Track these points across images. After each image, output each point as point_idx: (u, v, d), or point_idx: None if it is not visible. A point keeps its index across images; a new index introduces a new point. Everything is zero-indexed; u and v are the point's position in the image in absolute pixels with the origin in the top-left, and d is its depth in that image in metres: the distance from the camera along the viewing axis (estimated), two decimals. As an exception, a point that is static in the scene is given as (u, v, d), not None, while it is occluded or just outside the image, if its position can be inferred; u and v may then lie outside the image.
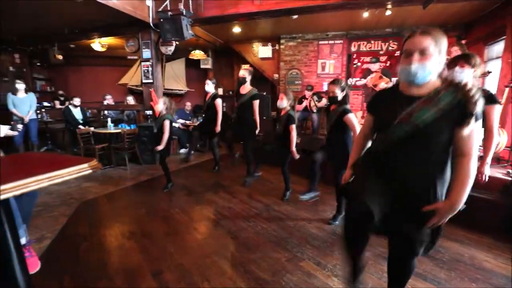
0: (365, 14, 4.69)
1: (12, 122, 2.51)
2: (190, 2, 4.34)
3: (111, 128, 4.87)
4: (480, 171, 1.90)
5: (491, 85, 4.10)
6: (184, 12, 4.19)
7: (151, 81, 5.22)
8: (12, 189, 0.61)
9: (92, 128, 5.05)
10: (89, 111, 6.65)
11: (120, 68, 8.11)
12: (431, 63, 1.06)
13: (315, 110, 5.72)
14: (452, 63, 1.92)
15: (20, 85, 5.06)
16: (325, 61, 6.52)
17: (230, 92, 8.25)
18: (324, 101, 5.49)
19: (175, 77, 8.25)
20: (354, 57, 6.28)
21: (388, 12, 4.42)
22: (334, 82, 2.48)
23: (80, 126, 5.54)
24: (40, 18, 4.71)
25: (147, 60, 5.16)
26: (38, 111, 5.87)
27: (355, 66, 6.23)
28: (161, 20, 4.30)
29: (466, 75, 1.84)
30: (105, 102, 6.38)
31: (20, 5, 4.05)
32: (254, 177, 3.82)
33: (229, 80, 8.29)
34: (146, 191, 3.67)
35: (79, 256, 2.14)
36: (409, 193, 1.15)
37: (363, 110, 5.72)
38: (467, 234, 2.49)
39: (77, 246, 2.29)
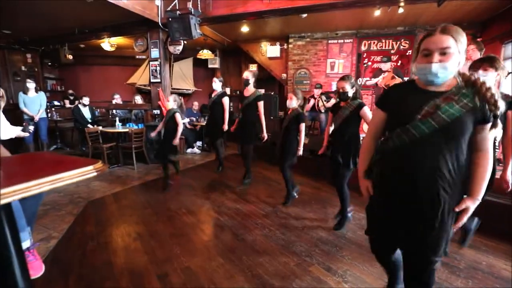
0: (377, 12, 4.58)
1: (24, 123, 2.53)
2: (199, 1, 4.32)
3: (119, 128, 4.89)
4: (504, 180, 1.81)
5: (507, 85, 3.94)
6: (192, 11, 4.17)
7: (159, 80, 5.22)
8: (12, 194, 0.58)
9: (100, 127, 5.09)
10: (98, 110, 6.72)
11: (129, 68, 8.18)
12: (452, 63, 1.01)
13: (323, 110, 5.63)
14: (475, 65, 1.84)
15: (31, 84, 5.14)
16: (334, 60, 6.41)
17: (238, 92, 8.21)
18: (333, 101, 5.40)
19: (182, 76, 8.27)
20: (364, 56, 6.15)
21: (401, 10, 4.30)
22: (344, 78, 2.43)
23: (89, 125, 5.59)
24: (52, 19, 4.77)
25: (155, 59, 5.17)
26: (48, 110, 5.96)
27: (365, 65, 6.10)
28: (170, 19, 4.29)
29: (490, 79, 1.77)
30: (114, 102, 6.43)
31: (32, 5, 4.11)
32: (246, 184, 3.81)
33: (237, 80, 8.26)
34: (153, 191, 3.66)
35: (85, 256, 2.13)
36: (432, 189, 1.08)
37: (373, 110, 5.60)
38: (483, 240, 2.39)
39: (84, 246, 2.28)
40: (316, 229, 2.59)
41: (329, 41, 6.38)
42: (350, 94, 2.42)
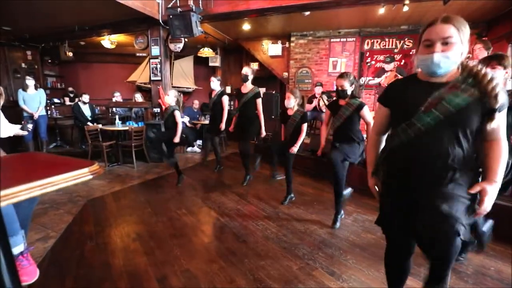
0: (381, 10, 4.51)
1: (22, 122, 2.48)
2: (200, -2, 4.26)
3: (119, 126, 4.84)
4: None
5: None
6: (193, 8, 4.12)
7: (159, 78, 5.17)
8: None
9: (100, 125, 5.04)
10: (98, 108, 6.67)
11: (129, 66, 8.11)
12: (454, 52, 0.98)
13: (324, 110, 5.57)
14: (483, 63, 1.78)
15: (30, 81, 5.09)
16: (336, 59, 6.35)
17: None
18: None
19: (183, 74, 8.21)
20: (367, 55, 6.08)
21: (406, 8, 4.24)
22: (343, 75, 2.40)
23: (89, 123, 5.54)
24: (52, 16, 4.72)
25: (155, 57, 5.11)
26: (48, 108, 5.90)
27: (368, 64, 6.04)
28: (171, 16, 4.23)
29: (498, 77, 1.72)
30: (114, 99, 6.38)
31: (32, 2, 4.05)
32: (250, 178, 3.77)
33: (238, 78, 8.15)
34: (152, 190, 3.62)
35: (83, 256, 2.08)
36: (442, 184, 1.03)
37: (375, 110, 5.54)
38: (491, 245, 2.32)
39: (82, 246, 2.23)
40: (319, 231, 2.54)
41: (332, 40, 6.31)
42: (349, 92, 2.40)
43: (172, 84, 7.57)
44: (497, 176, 1.02)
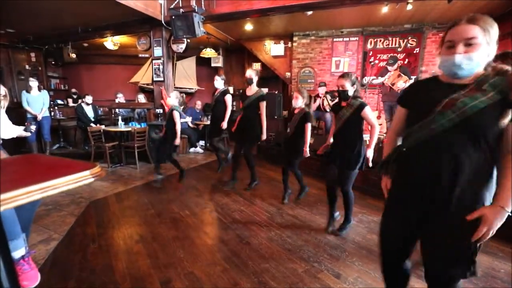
0: (384, 9, 4.46)
1: (26, 123, 2.48)
2: (202, -2, 4.25)
3: (121, 127, 4.84)
4: None
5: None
6: (196, 8, 4.10)
7: (161, 79, 5.16)
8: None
9: (103, 126, 5.04)
10: (101, 109, 6.69)
11: (132, 67, 8.13)
12: (479, 54, 0.92)
13: (328, 110, 5.53)
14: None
15: (34, 83, 5.11)
16: (339, 58, 6.30)
17: (241, 91, 8.12)
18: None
19: (185, 75, 8.21)
20: (370, 54, 6.03)
21: (409, 7, 4.19)
22: (344, 76, 2.30)
23: (92, 124, 5.55)
24: (55, 17, 4.74)
25: (158, 58, 5.11)
26: (51, 109, 5.93)
27: (371, 64, 5.99)
28: (173, 17, 4.22)
29: None
30: (117, 100, 6.39)
31: (35, 4, 4.06)
32: (234, 182, 3.71)
33: (240, 79, 8.17)
34: (155, 191, 3.60)
35: (86, 259, 2.07)
36: (454, 190, 0.98)
37: (379, 109, 5.48)
38: (500, 246, 2.28)
39: (84, 248, 2.22)
40: (323, 232, 2.51)
41: (334, 39, 6.27)
42: (351, 92, 2.29)
43: (174, 85, 7.57)
44: (507, 201, 0.90)
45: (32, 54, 6.70)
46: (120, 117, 5.18)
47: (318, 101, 5.56)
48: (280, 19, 5.40)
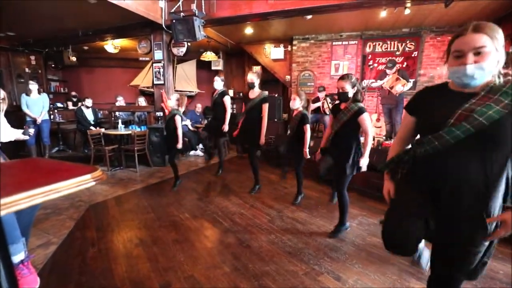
0: (383, 13, 4.51)
1: (24, 126, 2.49)
2: (203, 2, 4.28)
3: (121, 130, 4.84)
4: None
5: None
6: (196, 12, 4.13)
7: (162, 82, 5.18)
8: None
9: (103, 130, 5.05)
10: (101, 112, 6.69)
11: (132, 70, 8.16)
12: (489, 62, 0.91)
13: (328, 112, 5.54)
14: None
15: (33, 86, 5.11)
16: (338, 62, 6.34)
17: (241, 94, 8.16)
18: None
19: (186, 78, 8.24)
20: (369, 58, 6.07)
21: (407, 11, 4.22)
22: (344, 77, 2.27)
23: (92, 127, 5.56)
24: (55, 21, 4.76)
25: (158, 61, 5.13)
26: (51, 112, 5.93)
27: (370, 67, 6.02)
28: (174, 21, 4.25)
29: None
30: (117, 104, 6.40)
31: (36, 8, 4.09)
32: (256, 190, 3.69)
33: (240, 82, 8.21)
34: (155, 194, 3.60)
35: (85, 263, 2.06)
36: (464, 202, 0.98)
37: (378, 112, 5.50)
38: (499, 247, 2.27)
39: (84, 252, 2.21)
40: (323, 235, 2.50)
41: (334, 43, 6.31)
42: (351, 94, 2.26)
43: (175, 88, 7.59)
44: None
45: (32, 57, 6.73)
46: (120, 120, 5.18)
47: (319, 103, 5.57)
48: (279, 23, 5.44)
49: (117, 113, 6.02)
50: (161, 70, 5.13)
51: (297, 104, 2.94)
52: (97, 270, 1.97)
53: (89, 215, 2.95)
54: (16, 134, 2.35)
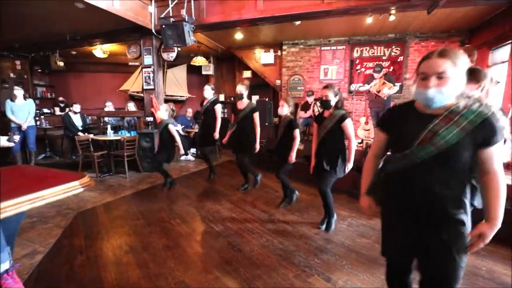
0: (369, 20, 4.65)
1: (9, 133, 2.44)
2: (193, 8, 4.30)
3: (110, 135, 4.78)
4: None
5: (498, 90, 4.03)
6: (186, 18, 4.15)
7: (152, 87, 5.16)
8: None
9: (91, 135, 4.97)
10: (89, 118, 6.59)
11: (121, 75, 8.09)
12: (449, 87, 0.99)
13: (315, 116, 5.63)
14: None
15: (18, 91, 5.00)
16: (327, 66, 6.47)
17: (232, 99, 8.19)
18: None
19: (176, 83, 8.23)
20: (357, 62, 6.22)
21: (392, 18, 4.37)
22: (327, 87, 2.46)
23: (80, 133, 5.46)
24: (42, 25, 4.69)
25: (148, 66, 5.11)
26: (37, 118, 5.80)
27: (358, 71, 6.17)
28: (163, 26, 4.26)
29: (476, 93, 1.75)
30: (106, 109, 6.32)
31: (22, 12, 4.02)
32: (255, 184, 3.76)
33: (231, 86, 8.24)
34: (145, 200, 3.56)
35: (73, 271, 2.02)
36: (438, 215, 1.07)
37: (366, 116, 5.63)
38: (482, 246, 2.37)
39: (72, 260, 2.16)
40: (314, 237, 2.54)
41: (322, 48, 6.44)
42: (333, 102, 2.43)
43: (165, 93, 7.56)
44: (497, 219, 1.03)
45: (18, 62, 6.58)
46: (109, 126, 5.11)
47: (310, 111, 5.66)
48: (269, 28, 5.53)
49: (106, 119, 5.94)
50: (151, 75, 5.11)
51: (285, 110, 3.00)
52: (85, 278, 1.94)
53: (77, 222, 2.89)
54: (0, 141, 2.30)
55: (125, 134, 4.91)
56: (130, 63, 7.66)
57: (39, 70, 7.41)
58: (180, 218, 2.98)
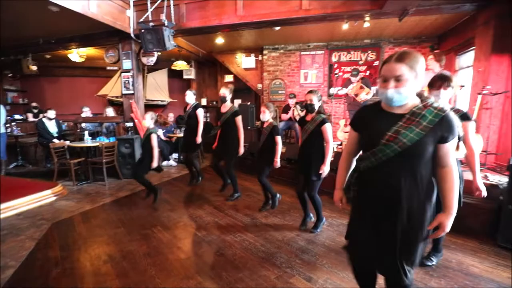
0: (345, 26, 4.83)
1: None
2: (172, 13, 4.29)
3: (88, 142, 4.62)
4: (476, 188, 1.91)
5: (464, 93, 4.31)
6: (166, 23, 4.13)
7: (131, 92, 5.06)
8: None
9: (67, 142, 4.78)
10: (65, 124, 6.33)
11: (100, 79, 7.85)
12: (406, 88, 1.09)
13: (297, 119, 5.74)
14: (436, 84, 1.89)
15: (-13, 98, 4.73)
16: (307, 71, 6.63)
17: (214, 102, 8.18)
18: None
19: (157, 87, 8.09)
20: (335, 67, 6.43)
21: (367, 24, 4.57)
22: (312, 91, 2.59)
23: (55, 140, 5.24)
24: (13, 28, 4.48)
25: (127, 71, 5.01)
26: (8, 125, 5.50)
27: (336, 76, 6.38)
28: (143, 30, 4.21)
29: (448, 96, 1.90)
30: (83, 115, 6.10)
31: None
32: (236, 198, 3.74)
33: (213, 90, 8.24)
34: (125, 208, 3.47)
35: (47, 285, 1.94)
36: (404, 209, 1.15)
37: (345, 118, 5.81)
38: (452, 238, 2.52)
39: (46, 273, 2.07)
40: (296, 238, 2.59)
41: (302, 53, 6.61)
42: (316, 107, 2.56)
43: (145, 98, 7.42)
44: (452, 208, 1.14)
45: (-15, 66, 6.23)
46: (86, 132, 4.95)
47: (290, 112, 5.77)
48: (249, 33, 5.60)
49: (83, 125, 5.74)
50: (131, 79, 5.01)
51: (266, 116, 3.07)
52: (61, 291, 1.87)
53: (52, 233, 2.77)
54: None
55: (103, 140, 4.77)
56: (108, 68, 7.46)
57: (10, 75, 7.04)
58: (161, 225, 2.93)
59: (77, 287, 1.91)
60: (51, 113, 5.54)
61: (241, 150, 3.57)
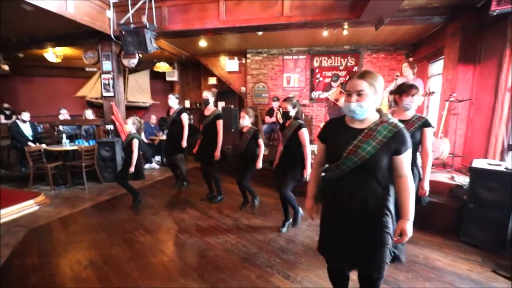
0: (325, 33, 5.02)
1: None
2: (154, 15, 4.27)
3: (66, 145, 4.50)
4: (421, 187, 2.10)
5: (434, 99, 4.61)
6: (147, 25, 4.10)
7: (112, 94, 4.96)
8: None
9: (43, 145, 4.62)
10: (41, 126, 6.09)
11: (78, 80, 7.61)
12: (367, 102, 1.23)
13: (280, 122, 5.87)
14: (407, 92, 2.05)
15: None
16: (290, 75, 6.79)
17: (198, 105, 8.16)
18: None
19: (139, 89, 7.96)
20: (317, 71, 6.64)
21: (345, 32, 4.77)
22: (286, 99, 2.71)
23: (30, 143, 5.04)
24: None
25: (107, 72, 4.91)
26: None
27: (317, 80, 6.58)
28: (123, 32, 4.15)
29: (416, 102, 2.07)
30: (60, 117, 5.90)
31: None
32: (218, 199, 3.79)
33: (196, 93, 8.21)
34: (106, 213, 3.42)
35: (26, 292, 1.91)
36: (366, 218, 1.27)
37: (325, 120, 6.02)
38: (421, 235, 2.71)
39: (23, 281, 2.04)
40: (277, 238, 2.68)
41: (285, 57, 6.76)
42: (292, 113, 2.68)
43: (127, 99, 7.28)
44: (410, 215, 1.25)
45: (-48, 65, 5.88)
46: (64, 135, 4.80)
47: (273, 117, 5.88)
48: (233, 37, 5.67)
49: (60, 127, 5.55)
50: (111, 81, 4.92)
51: (246, 121, 3.17)
52: (39, 298, 1.85)
53: (29, 240, 2.70)
54: None
55: (82, 144, 4.66)
56: (87, 68, 7.26)
57: (-21, 74, 6.66)
58: (144, 229, 2.93)
59: (57, 293, 1.89)
60: (26, 115, 5.32)
61: (218, 154, 3.52)
